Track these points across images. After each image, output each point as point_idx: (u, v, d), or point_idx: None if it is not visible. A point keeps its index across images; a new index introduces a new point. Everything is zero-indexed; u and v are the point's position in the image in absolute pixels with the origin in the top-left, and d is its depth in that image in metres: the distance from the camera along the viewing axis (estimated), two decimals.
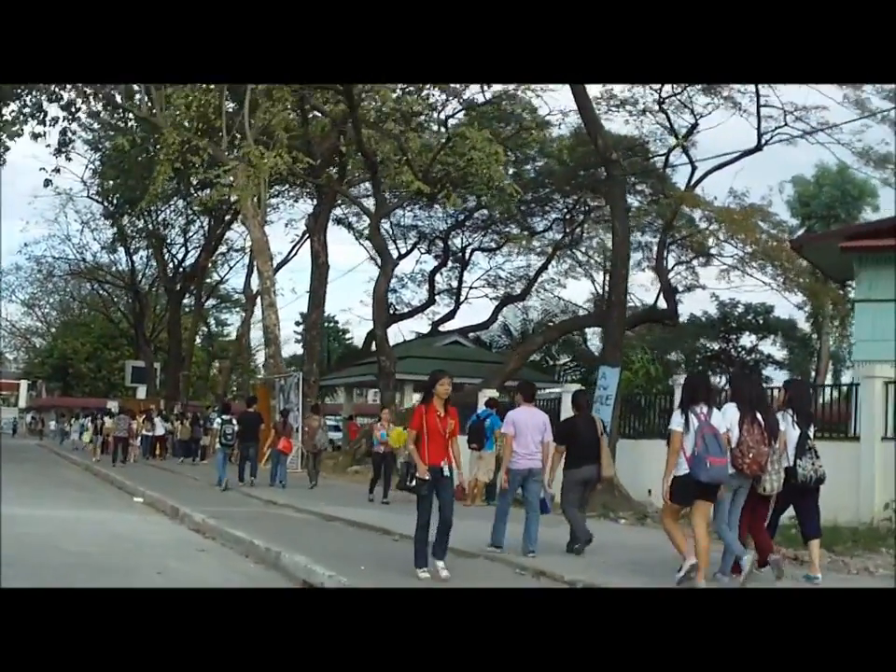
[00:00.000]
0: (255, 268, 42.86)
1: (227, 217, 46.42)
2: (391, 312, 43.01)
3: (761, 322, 43.48)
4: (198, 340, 58.26)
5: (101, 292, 64.39)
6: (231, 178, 28.87)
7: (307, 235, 43.06)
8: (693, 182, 30.00)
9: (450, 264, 45.18)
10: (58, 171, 37.43)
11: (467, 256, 44.09)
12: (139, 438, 33.87)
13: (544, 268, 42.53)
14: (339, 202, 35.63)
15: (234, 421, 22.32)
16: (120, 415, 31.63)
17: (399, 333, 47.81)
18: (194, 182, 41.47)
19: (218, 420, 22.87)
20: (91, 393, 71.44)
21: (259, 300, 31.16)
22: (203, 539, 12.96)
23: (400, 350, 38.40)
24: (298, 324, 68.88)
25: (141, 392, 53.17)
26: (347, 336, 65.43)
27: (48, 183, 37.01)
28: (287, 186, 38.87)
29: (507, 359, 32.96)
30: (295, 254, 45.44)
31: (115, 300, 63.45)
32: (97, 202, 49.58)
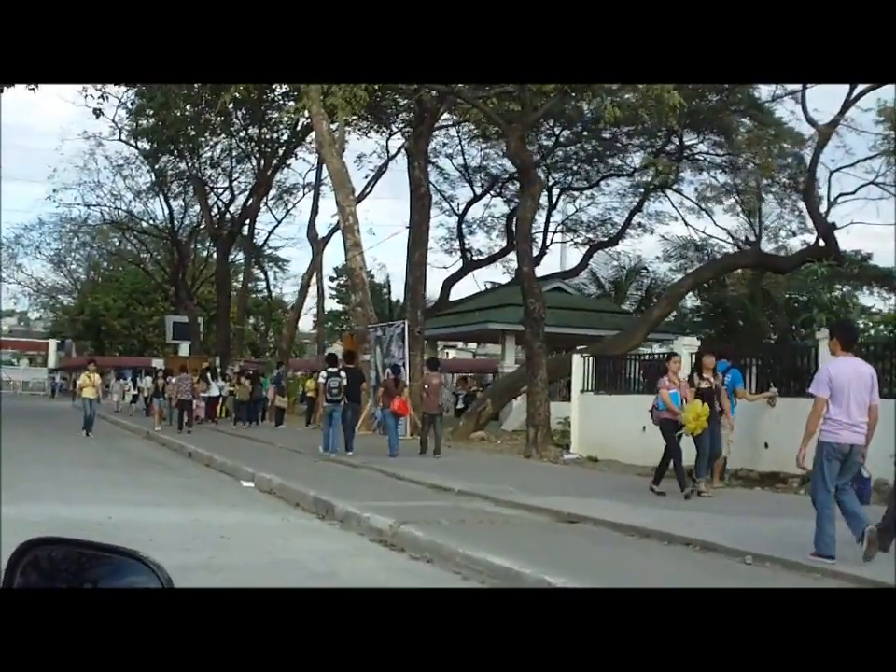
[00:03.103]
0: (317, 208, 38.79)
1: (276, 160, 42.02)
2: (469, 258, 38.55)
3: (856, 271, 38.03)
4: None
5: (132, 244, 59.76)
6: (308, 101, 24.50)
7: (384, 170, 38.47)
8: (852, 98, 25.31)
9: None
10: (105, 98, 33.47)
11: (553, 196, 39.11)
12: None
13: (638, 209, 37.95)
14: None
15: (342, 374, 19.10)
16: (183, 375, 27.33)
17: (473, 283, 43.29)
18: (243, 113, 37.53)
19: (323, 374, 19.04)
20: (125, 351, 67.59)
21: (342, 239, 26.50)
22: (416, 563, 8.27)
23: (492, 299, 34.30)
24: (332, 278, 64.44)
25: (184, 349, 48.81)
26: (383, 292, 59.89)
27: (98, 113, 33.06)
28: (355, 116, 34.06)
29: (654, 307, 28.38)
30: (371, 189, 40.27)
31: (151, 251, 58.51)
32: (131, 145, 44.87)
